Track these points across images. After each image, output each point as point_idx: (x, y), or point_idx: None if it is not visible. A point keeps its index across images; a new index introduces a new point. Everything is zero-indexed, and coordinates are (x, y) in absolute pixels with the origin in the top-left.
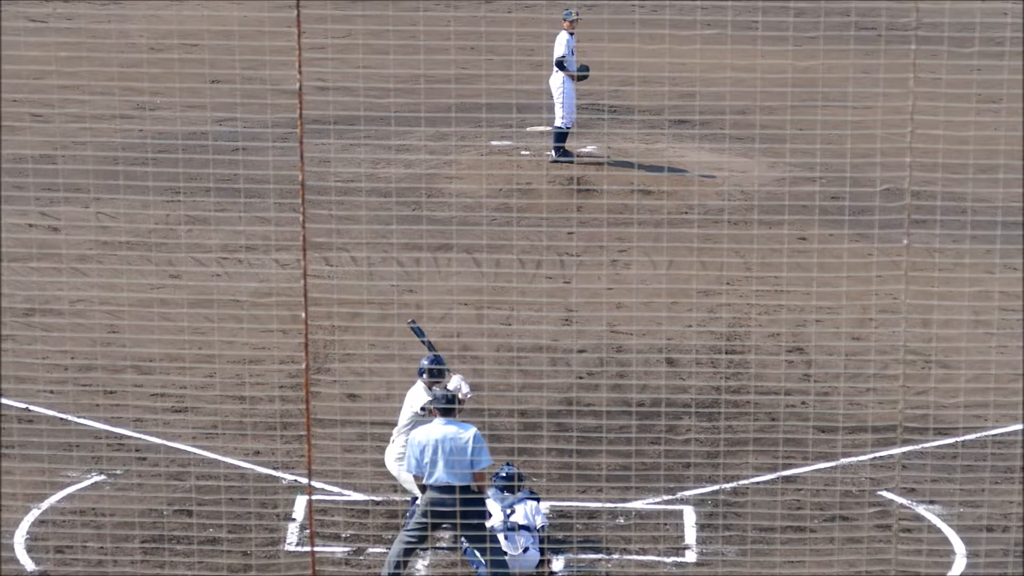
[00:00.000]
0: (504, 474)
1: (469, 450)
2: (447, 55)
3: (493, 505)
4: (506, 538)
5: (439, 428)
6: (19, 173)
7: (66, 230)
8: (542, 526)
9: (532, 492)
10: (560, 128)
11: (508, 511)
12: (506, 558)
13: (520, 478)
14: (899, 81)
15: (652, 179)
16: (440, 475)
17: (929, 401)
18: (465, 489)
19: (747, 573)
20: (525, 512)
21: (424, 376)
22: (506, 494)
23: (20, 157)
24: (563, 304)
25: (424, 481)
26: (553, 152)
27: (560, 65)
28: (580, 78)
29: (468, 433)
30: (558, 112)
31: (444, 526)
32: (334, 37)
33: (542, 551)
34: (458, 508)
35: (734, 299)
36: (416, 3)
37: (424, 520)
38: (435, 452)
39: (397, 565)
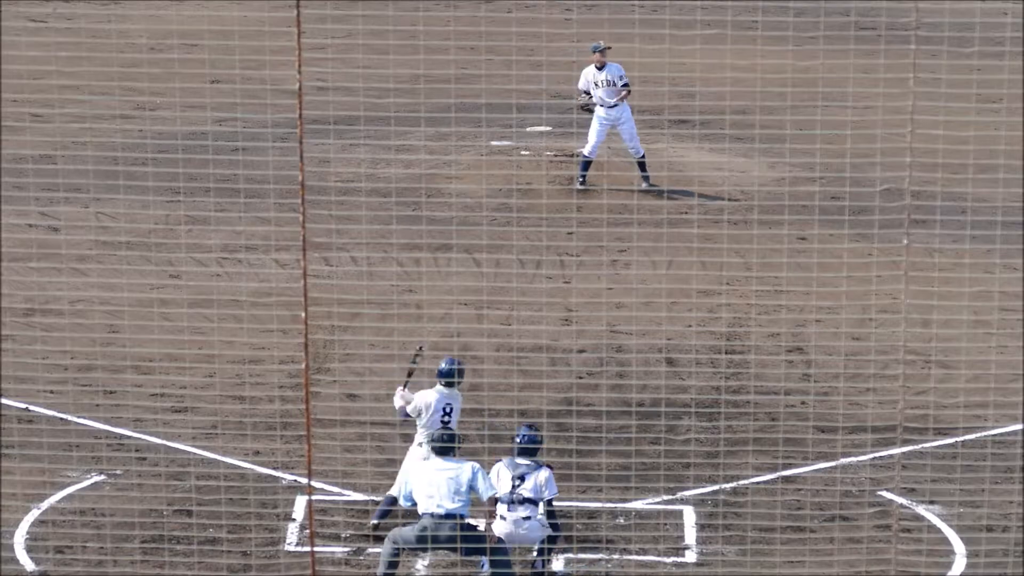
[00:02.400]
0: (523, 438)
1: (470, 484)
2: (447, 55)
3: (504, 472)
4: (508, 508)
5: (437, 466)
6: (19, 173)
7: (66, 230)
8: (551, 498)
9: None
10: (585, 157)
11: (517, 481)
12: (506, 532)
13: (537, 440)
14: (899, 81)
15: (653, 179)
16: (437, 508)
17: (929, 401)
18: (464, 521)
19: (747, 573)
20: (535, 484)
21: (442, 380)
22: (519, 460)
23: (20, 157)
24: (563, 304)
25: (420, 511)
26: (580, 180)
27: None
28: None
29: (469, 465)
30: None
31: (440, 551)
32: (334, 37)
33: (555, 527)
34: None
35: (734, 299)
36: (416, 3)
37: (421, 544)
38: (433, 483)
39: (389, 565)
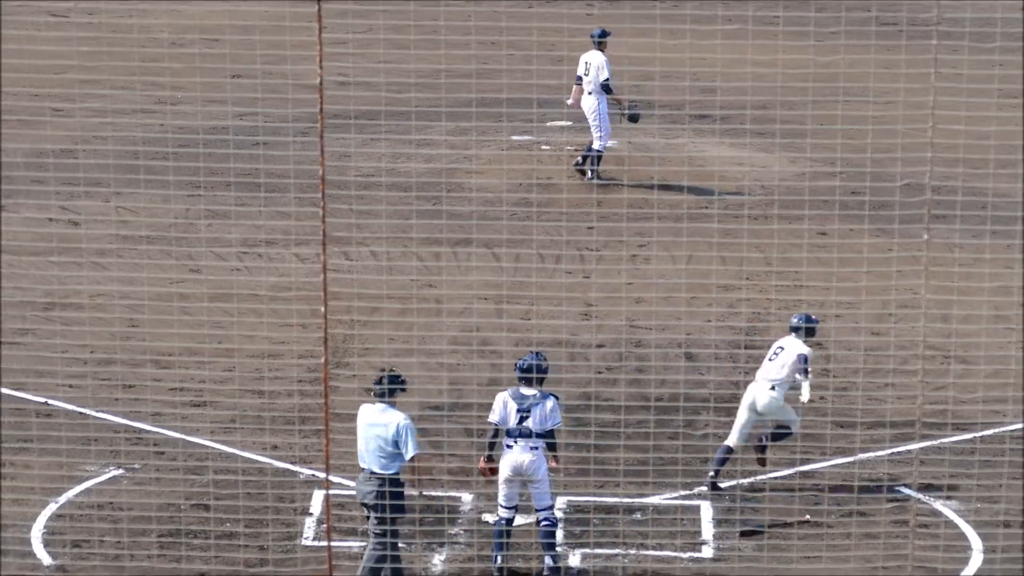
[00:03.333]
0: (526, 366)
1: (395, 438)
2: (468, 50)
3: (510, 404)
4: (515, 440)
5: (372, 414)
6: (40, 167)
7: (86, 224)
8: (553, 427)
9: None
10: (600, 150)
11: (523, 415)
12: (513, 463)
13: (542, 370)
14: (920, 76)
15: (672, 173)
16: (367, 462)
17: (948, 396)
18: (387, 480)
19: (764, 568)
20: (541, 416)
21: (796, 333)
22: (524, 391)
23: (41, 151)
24: (582, 299)
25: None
26: (592, 174)
27: (608, 88)
28: (633, 118)
29: (396, 421)
30: (596, 134)
31: (367, 513)
32: (355, 32)
33: (554, 455)
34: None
35: (754, 294)
36: None
37: (360, 500)
38: (365, 438)
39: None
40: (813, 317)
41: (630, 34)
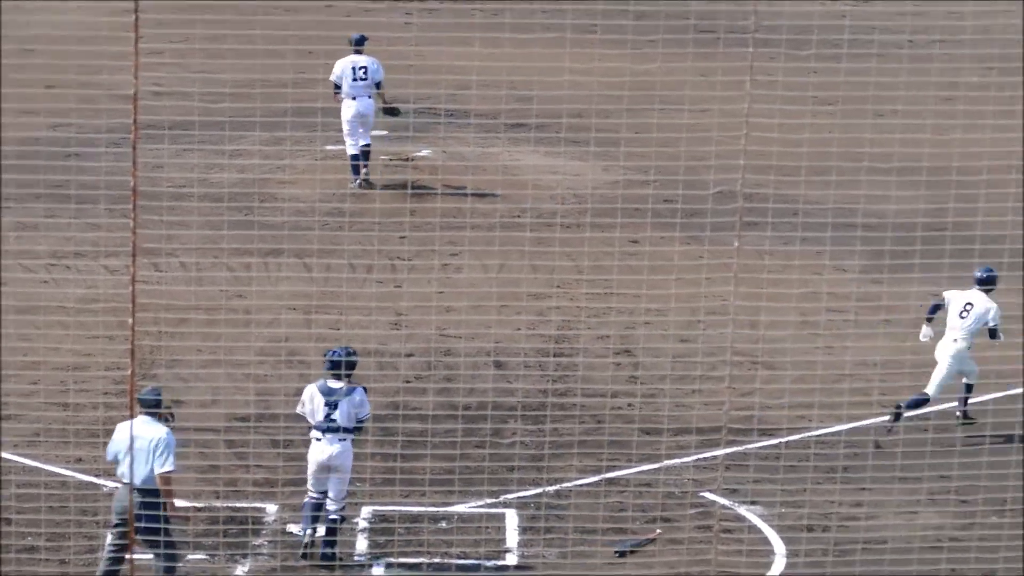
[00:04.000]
0: (336, 358)
1: (153, 451)
2: (284, 59)
3: (318, 398)
4: (324, 432)
5: (136, 426)
6: None
7: None
8: (363, 419)
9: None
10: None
11: (329, 408)
12: (320, 458)
13: (352, 366)
14: (736, 84)
15: (486, 182)
16: (124, 473)
17: (754, 402)
18: (146, 490)
19: (567, 575)
20: (348, 410)
21: (981, 286)
22: (332, 383)
23: None
24: (393, 308)
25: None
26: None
27: (380, 85)
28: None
29: (157, 435)
30: (366, 134)
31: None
32: (172, 41)
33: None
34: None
35: (564, 302)
36: (256, 4)
37: (116, 515)
38: (126, 450)
39: (106, 574)
40: (993, 269)
41: (448, 43)
